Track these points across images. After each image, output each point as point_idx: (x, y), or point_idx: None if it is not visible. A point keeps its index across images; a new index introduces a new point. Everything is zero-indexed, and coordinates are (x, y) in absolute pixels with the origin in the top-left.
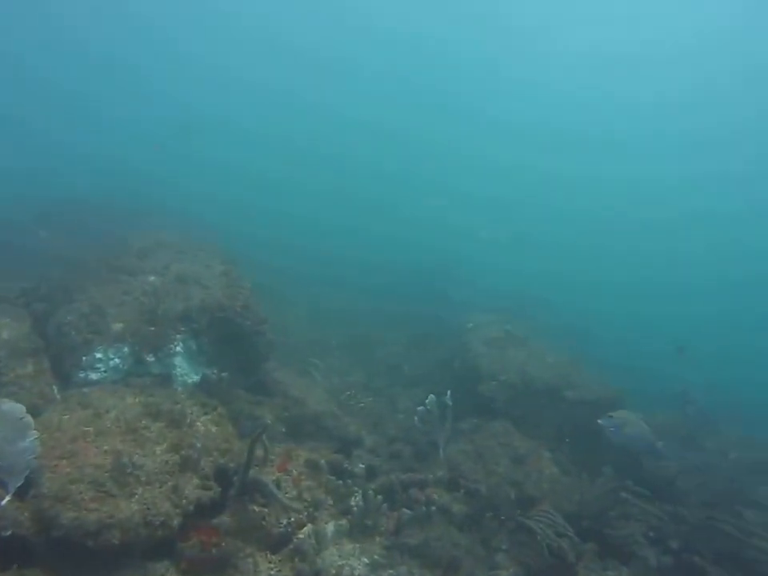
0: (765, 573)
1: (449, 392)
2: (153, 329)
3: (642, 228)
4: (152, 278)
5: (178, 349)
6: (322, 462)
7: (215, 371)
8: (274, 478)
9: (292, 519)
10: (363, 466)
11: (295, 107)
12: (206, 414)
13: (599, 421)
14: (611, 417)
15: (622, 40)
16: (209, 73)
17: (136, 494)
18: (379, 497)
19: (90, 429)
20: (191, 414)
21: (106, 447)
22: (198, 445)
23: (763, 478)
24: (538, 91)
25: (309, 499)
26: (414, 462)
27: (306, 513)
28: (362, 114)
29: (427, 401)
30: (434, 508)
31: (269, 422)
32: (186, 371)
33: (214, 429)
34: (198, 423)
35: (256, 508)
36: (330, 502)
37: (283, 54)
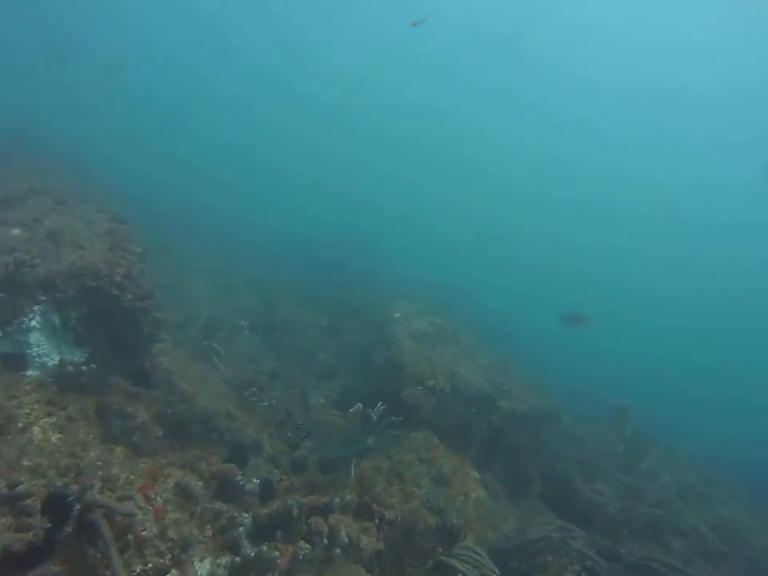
0: None
1: (380, 405)
2: (1, 295)
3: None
4: (15, 232)
5: (34, 323)
6: (198, 485)
7: (84, 353)
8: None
9: (149, 566)
10: (258, 481)
11: None
12: (49, 415)
13: None
14: None
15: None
16: None
17: None
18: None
19: None
20: (27, 415)
21: None
22: (25, 463)
23: (691, 504)
24: None
25: (175, 538)
26: (320, 474)
27: (169, 555)
28: None
29: (351, 410)
30: (338, 542)
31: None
32: (45, 351)
33: (55, 437)
34: (36, 429)
35: (97, 553)
36: (208, 534)
37: None
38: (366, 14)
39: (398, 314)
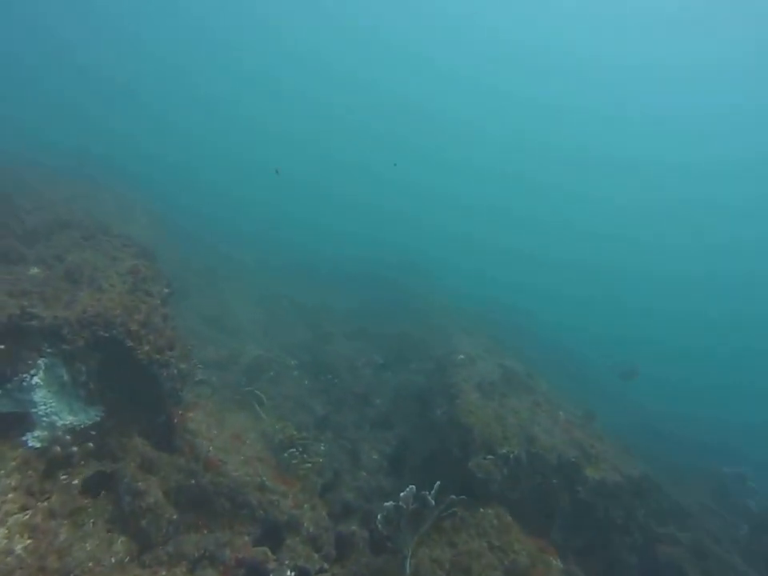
0: None
1: (437, 485)
2: (2, 347)
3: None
4: (33, 271)
5: (36, 380)
6: None
7: (98, 411)
8: None
9: None
10: (293, 574)
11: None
12: (23, 510)
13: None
14: None
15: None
16: None
17: None
18: None
19: None
20: None
21: None
22: None
23: None
24: None
25: None
26: (371, 557)
27: None
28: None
29: (402, 494)
30: None
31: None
32: (54, 409)
33: (21, 545)
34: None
35: None
36: None
37: None
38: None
39: (461, 356)
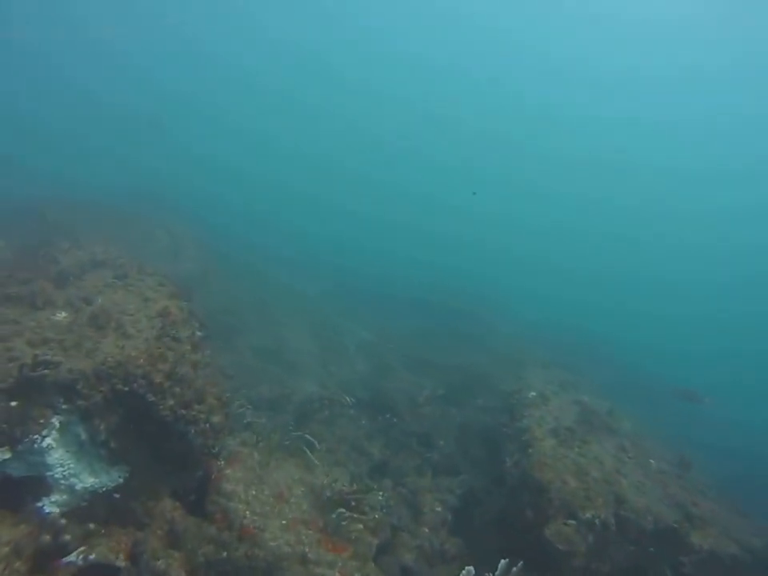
0: None
1: (503, 565)
2: (14, 404)
3: None
4: (59, 316)
5: (49, 441)
6: None
7: (122, 472)
8: None
9: None
10: None
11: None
12: None
13: None
14: None
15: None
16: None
17: None
18: None
19: None
20: None
21: None
22: None
23: None
24: None
25: None
26: None
27: None
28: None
29: (464, 572)
30: None
31: None
32: (73, 471)
33: None
34: None
35: None
36: None
37: None
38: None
39: (532, 393)
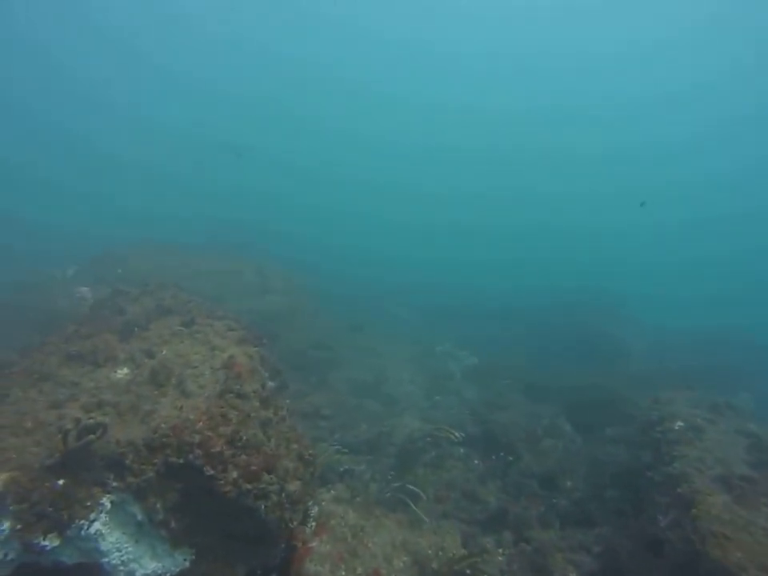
0: None
1: None
2: (61, 482)
3: None
4: (119, 374)
5: (98, 525)
6: None
7: (187, 554)
8: None
9: None
10: None
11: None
12: None
13: None
14: None
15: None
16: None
17: None
18: None
19: None
20: None
21: None
22: None
23: None
24: None
25: None
26: None
27: None
28: None
29: None
30: None
31: None
32: (132, 556)
33: None
34: None
35: None
36: None
37: None
38: None
39: (679, 423)
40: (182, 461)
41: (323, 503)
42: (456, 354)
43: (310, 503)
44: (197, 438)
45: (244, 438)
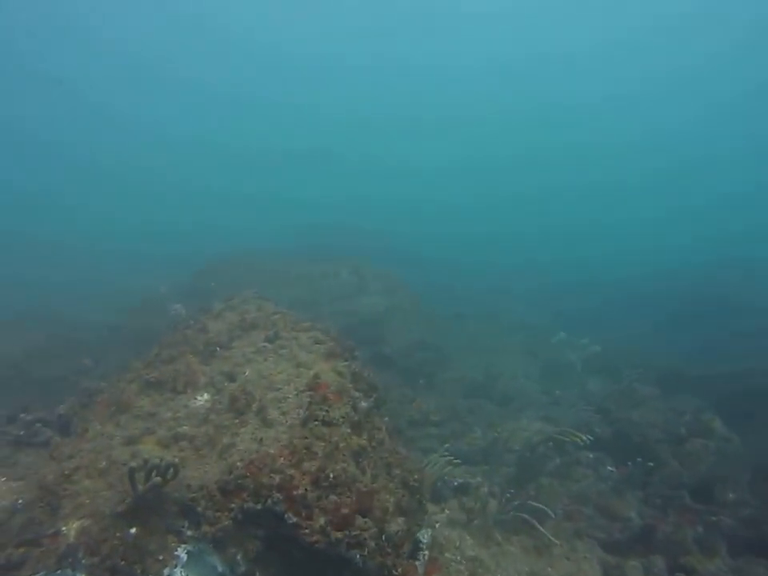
0: None
1: None
2: (133, 531)
3: None
4: (202, 399)
5: None
6: None
7: None
8: None
9: None
10: None
11: None
12: None
13: None
14: None
15: None
16: None
17: None
18: None
19: None
20: None
21: None
22: None
23: None
24: None
25: None
26: None
27: None
28: None
29: None
30: None
31: None
32: None
33: None
34: None
35: None
36: None
37: None
38: None
39: None
40: (259, 507)
41: (437, 525)
42: (574, 342)
43: (420, 532)
44: (276, 479)
45: (332, 475)
